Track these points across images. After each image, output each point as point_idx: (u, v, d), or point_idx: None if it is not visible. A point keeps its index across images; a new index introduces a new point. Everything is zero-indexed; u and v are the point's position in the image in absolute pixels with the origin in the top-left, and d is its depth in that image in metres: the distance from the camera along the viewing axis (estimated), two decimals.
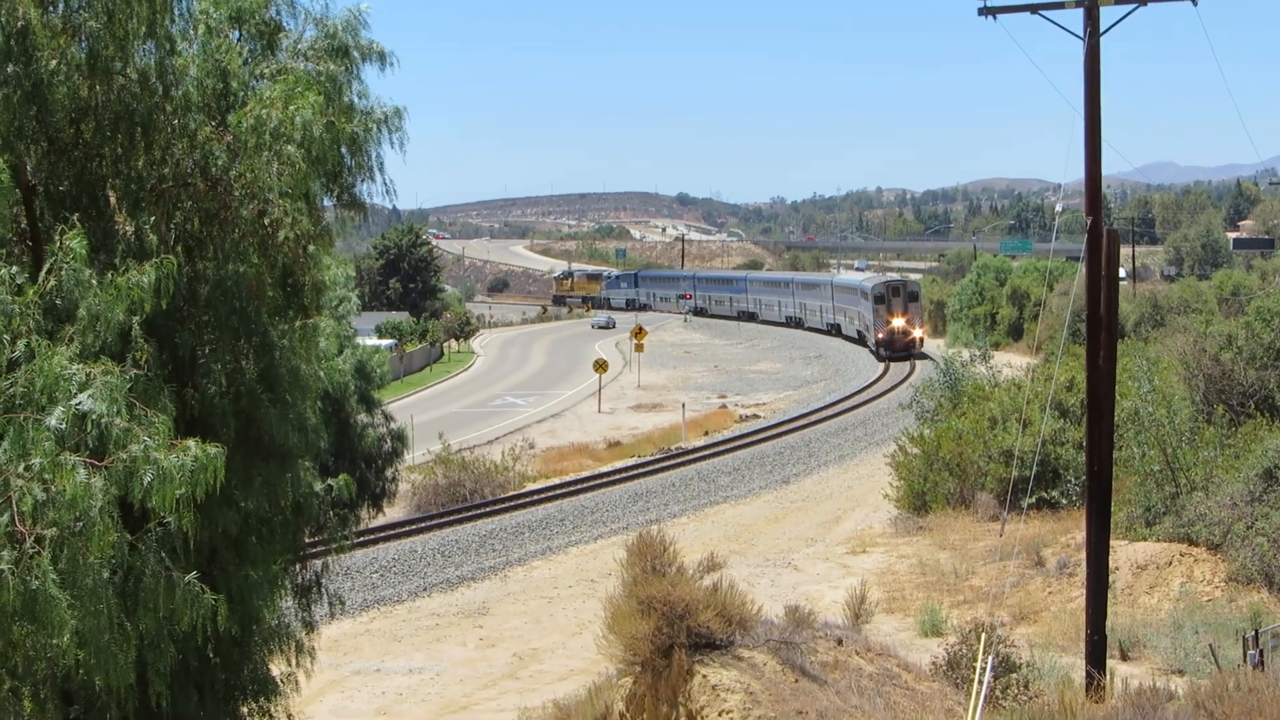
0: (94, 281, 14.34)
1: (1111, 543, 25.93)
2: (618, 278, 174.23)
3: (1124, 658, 28.16)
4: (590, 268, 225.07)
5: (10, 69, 15.60)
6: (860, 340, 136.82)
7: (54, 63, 15.82)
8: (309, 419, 18.82)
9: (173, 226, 17.09)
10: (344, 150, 17.79)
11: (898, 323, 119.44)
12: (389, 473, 58.49)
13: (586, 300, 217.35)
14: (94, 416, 13.13)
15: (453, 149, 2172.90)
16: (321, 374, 23.39)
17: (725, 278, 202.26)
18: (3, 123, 15.77)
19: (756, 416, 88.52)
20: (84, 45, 16.17)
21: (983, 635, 21.87)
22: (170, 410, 14.27)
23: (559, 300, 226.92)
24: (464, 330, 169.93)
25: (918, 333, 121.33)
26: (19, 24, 15.57)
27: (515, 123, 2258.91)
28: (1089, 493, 24.03)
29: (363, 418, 55.50)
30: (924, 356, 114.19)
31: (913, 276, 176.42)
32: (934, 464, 49.09)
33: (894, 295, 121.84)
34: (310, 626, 20.63)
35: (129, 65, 16.35)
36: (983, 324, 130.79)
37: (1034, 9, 24.05)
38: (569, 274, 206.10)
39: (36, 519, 12.74)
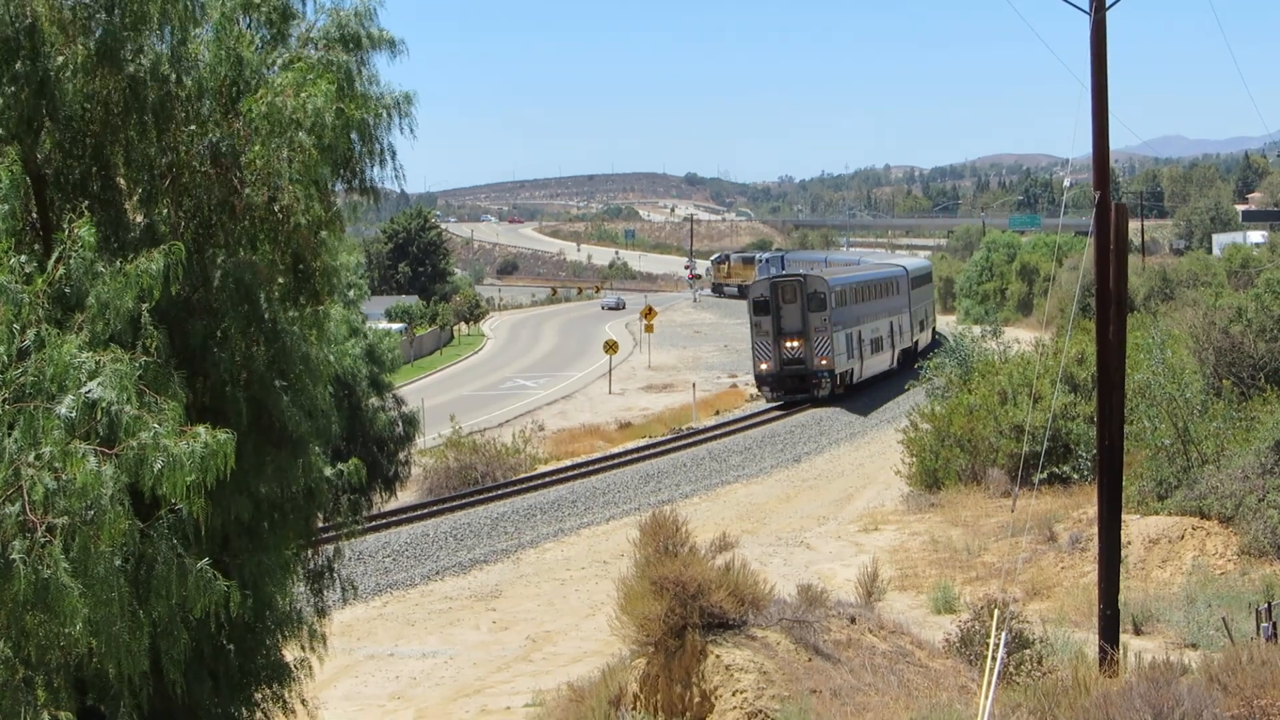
0: (103, 269, 14.36)
1: (1123, 517, 25.89)
2: (767, 261, 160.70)
3: (1137, 632, 28.13)
4: (744, 252, 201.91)
5: (19, 65, 15.62)
6: None
7: (61, 58, 15.84)
8: (320, 404, 18.84)
9: (184, 214, 17.12)
10: (354, 136, 17.79)
11: (791, 346, 76.41)
12: (400, 456, 58.61)
13: (743, 289, 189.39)
14: (104, 404, 13.15)
15: (460, 132, 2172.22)
16: (332, 359, 23.44)
17: (848, 260, 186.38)
18: (13, 115, 15.80)
19: None
20: (97, 33, 16.18)
21: (995, 611, 21.85)
22: (181, 397, 14.30)
23: (718, 289, 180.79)
24: (474, 313, 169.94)
25: (843, 360, 78.29)
26: (27, 20, 15.59)
27: (523, 105, 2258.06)
28: (1100, 467, 23.98)
29: (374, 402, 55.62)
30: (836, 399, 77.25)
31: (904, 256, 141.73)
32: (945, 440, 49.06)
33: (786, 300, 76.55)
34: (323, 612, 20.65)
35: (141, 54, 16.37)
36: (993, 300, 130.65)
37: None
38: (725, 258, 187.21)
39: (48, 508, 12.77)
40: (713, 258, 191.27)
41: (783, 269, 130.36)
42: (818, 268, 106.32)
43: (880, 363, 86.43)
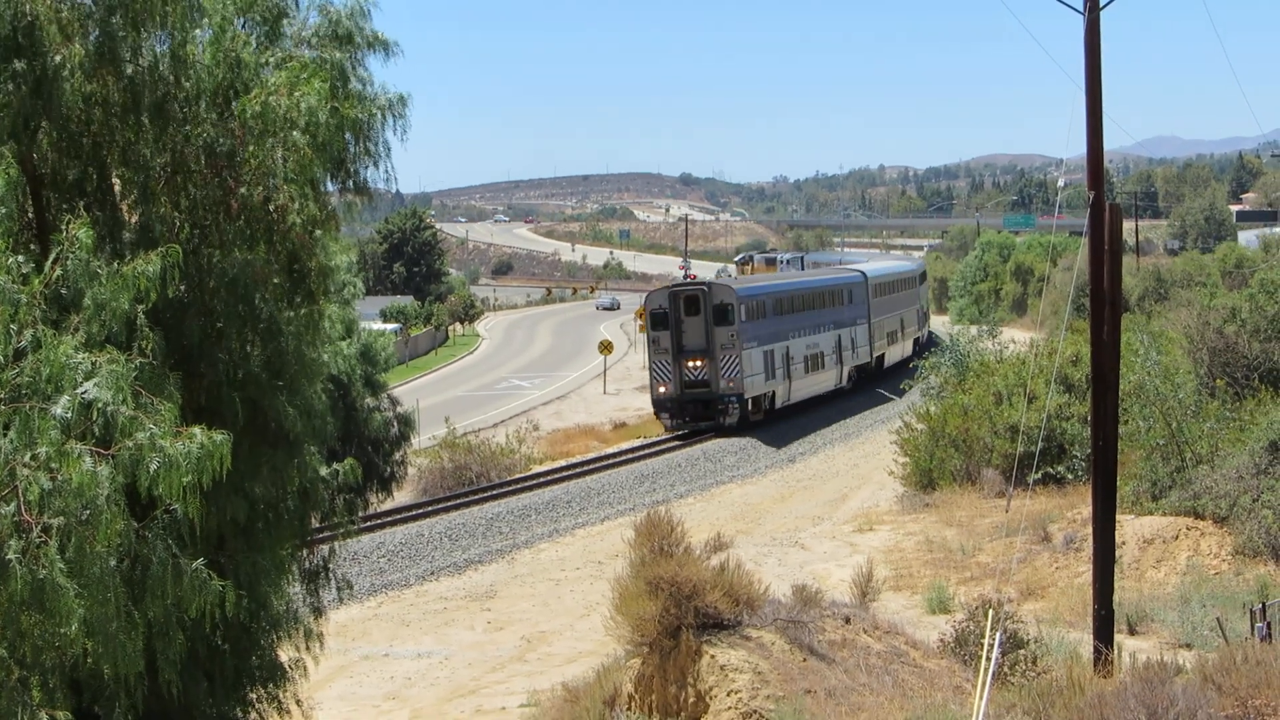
0: (100, 270, 14.38)
1: (1118, 517, 25.95)
2: (788, 260, 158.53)
3: (1131, 632, 28.17)
4: (769, 252, 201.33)
5: (17, 64, 15.64)
6: None
7: (59, 57, 15.86)
8: (315, 404, 18.87)
9: (180, 214, 17.15)
10: (349, 136, 17.81)
11: (694, 366, 66.55)
12: (396, 457, 58.65)
13: None
14: (100, 405, 13.17)
15: (455, 132, 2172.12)
16: (327, 359, 23.46)
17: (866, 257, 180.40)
18: (10, 115, 15.82)
19: None
20: (96, 33, 16.21)
21: (990, 612, 21.87)
22: (176, 398, 14.32)
23: None
24: (468, 313, 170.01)
25: (759, 381, 68.81)
26: (26, 19, 15.61)
27: (518, 105, 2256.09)
28: (1094, 467, 24.01)
29: (369, 402, 55.65)
30: (750, 428, 67.58)
31: (916, 255, 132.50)
32: (940, 440, 49.11)
33: (687, 313, 66.85)
34: (318, 612, 20.68)
35: (140, 55, 16.40)
36: (987, 300, 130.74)
37: None
38: (749, 258, 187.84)
39: (43, 508, 12.79)
40: (737, 258, 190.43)
41: (802, 270, 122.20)
42: (833, 268, 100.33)
43: (820, 383, 77.42)
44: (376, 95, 18.44)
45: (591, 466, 59.73)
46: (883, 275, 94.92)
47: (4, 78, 15.72)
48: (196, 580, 13.68)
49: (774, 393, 71.05)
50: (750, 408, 68.04)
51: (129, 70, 16.37)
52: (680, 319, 66.64)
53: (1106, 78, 23.33)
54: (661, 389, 67.11)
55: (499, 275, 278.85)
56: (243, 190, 16.74)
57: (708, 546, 24.22)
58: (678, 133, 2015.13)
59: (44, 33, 15.75)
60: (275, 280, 17.54)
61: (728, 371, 66.25)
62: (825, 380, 78.33)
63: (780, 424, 70.53)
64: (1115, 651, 22.66)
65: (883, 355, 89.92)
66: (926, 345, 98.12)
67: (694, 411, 67.17)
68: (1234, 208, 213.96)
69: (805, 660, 21.42)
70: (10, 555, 12.60)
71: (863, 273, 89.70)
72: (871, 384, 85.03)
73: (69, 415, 13.06)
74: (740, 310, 66.92)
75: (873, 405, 79.69)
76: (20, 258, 14.46)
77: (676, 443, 65.63)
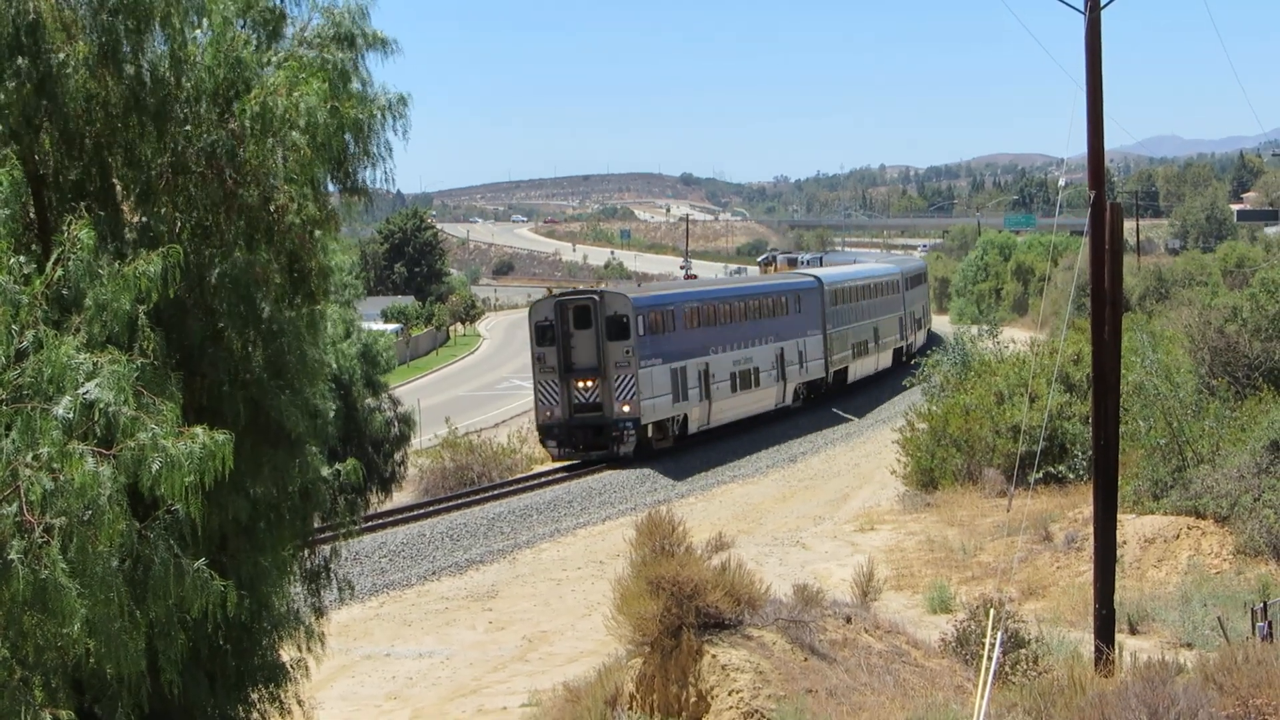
0: (101, 271, 14.39)
1: (1119, 516, 25.95)
2: (807, 260, 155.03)
3: (1133, 631, 28.18)
4: (791, 252, 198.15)
5: (20, 62, 15.66)
6: None
7: (63, 55, 15.89)
8: (316, 404, 18.88)
9: (180, 214, 17.16)
10: (348, 136, 17.81)
11: (584, 387, 59.20)
12: (397, 457, 58.74)
13: None
14: (101, 405, 13.17)
15: (456, 133, 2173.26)
16: (329, 359, 23.47)
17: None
18: (13, 114, 15.85)
19: None
20: (97, 37, 16.23)
21: (991, 611, 21.88)
22: (178, 398, 14.33)
23: None
24: (469, 313, 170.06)
25: (664, 404, 61.09)
26: (29, 17, 15.64)
27: (518, 106, 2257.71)
28: (1095, 467, 24.02)
29: (369, 402, 55.75)
30: (651, 458, 59.83)
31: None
32: (941, 440, 49.14)
33: (577, 325, 59.68)
34: (320, 612, 20.66)
35: (141, 55, 16.42)
36: (988, 300, 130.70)
37: None
38: (772, 258, 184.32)
39: (45, 508, 12.79)
40: (760, 259, 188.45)
41: (820, 267, 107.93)
42: (782, 273, 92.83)
43: (753, 402, 69.97)
44: (377, 95, 18.42)
45: (592, 466, 59.01)
46: (844, 280, 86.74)
47: (8, 75, 15.75)
48: (198, 580, 13.69)
49: (685, 416, 63.29)
50: (652, 434, 60.58)
51: (130, 70, 16.39)
52: (569, 333, 59.43)
53: (1107, 77, 23.36)
54: (547, 413, 59.57)
55: (500, 275, 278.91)
56: (243, 190, 16.76)
57: (709, 546, 24.25)
58: (678, 133, 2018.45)
59: (48, 30, 15.78)
60: (276, 280, 17.56)
61: (622, 393, 58.64)
62: (760, 399, 70.89)
63: (692, 452, 63.36)
64: (1116, 651, 22.68)
65: (845, 370, 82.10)
66: (921, 350, 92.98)
67: (585, 439, 59.47)
68: (1235, 207, 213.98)
69: (806, 660, 21.43)
70: (13, 555, 12.60)
71: (817, 278, 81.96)
72: (829, 402, 78.19)
73: (71, 416, 13.06)
74: (638, 322, 59.39)
75: (822, 427, 73.35)
76: (22, 258, 14.47)
77: (551, 477, 57.69)
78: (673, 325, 62.64)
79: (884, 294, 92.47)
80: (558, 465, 60.07)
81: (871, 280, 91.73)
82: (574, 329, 59.22)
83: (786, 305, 74.67)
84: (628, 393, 58.42)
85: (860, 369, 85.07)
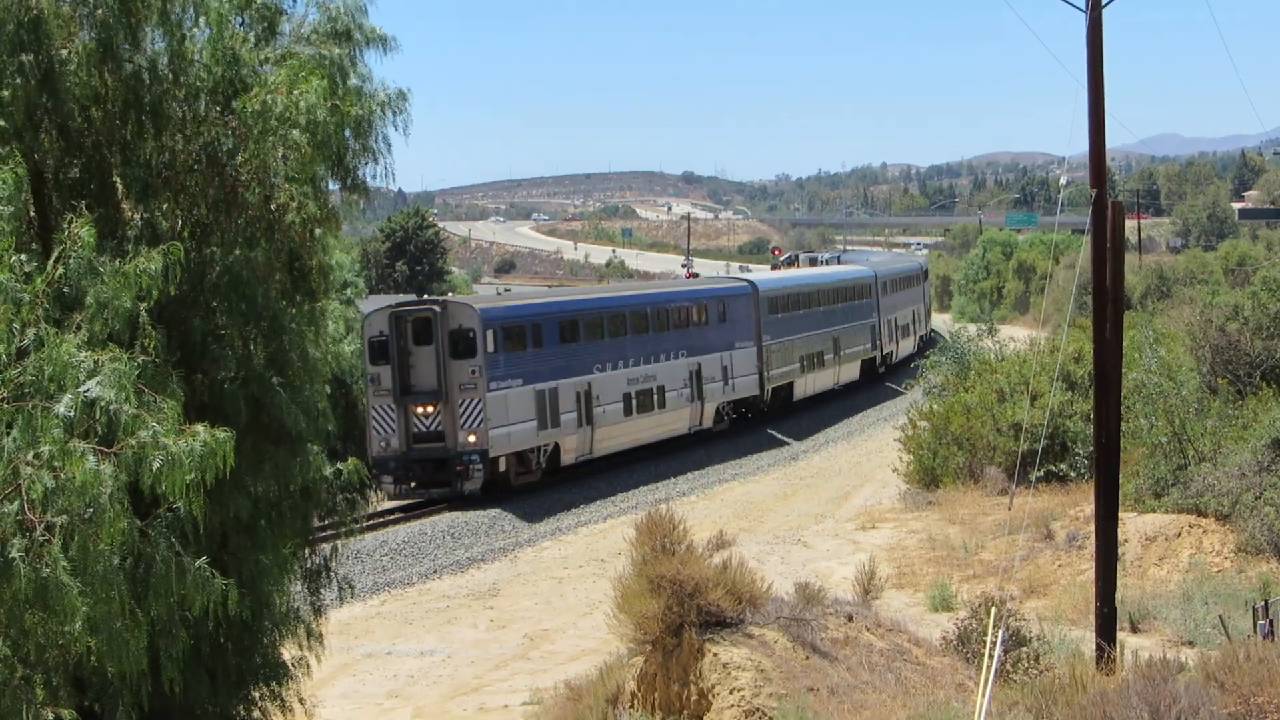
0: (102, 269, 14.39)
1: (1120, 515, 25.93)
2: (825, 259, 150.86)
3: (1134, 630, 28.18)
4: (812, 251, 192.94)
5: (25, 58, 15.67)
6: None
7: (65, 51, 15.90)
8: (318, 403, 18.88)
9: (181, 212, 17.17)
10: (348, 134, 17.82)
11: (424, 413, 50.24)
12: None
13: None
14: (103, 403, 13.17)
15: (458, 131, 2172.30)
16: (329, 357, 23.46)
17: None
18: (16, 111, 15.85)
19: None
20: (94, 34, 16.25)
21: (993, 609, 21.86)
22: (179, 396, 14.34)
23: None
24: None
25: (518, 433, 52.10)
26: (31, 13, 15.64)
27: (520, 104, 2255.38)
28: (1097, 465, 24.03)
29: None
30: (505, 499, 51.26)
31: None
32: (943, 438, 49.14)
33: (416, 341, 50.77)
34: (320, 610, 20.67)
35: (139, 52, 16.43)
36: (989, 298, 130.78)
37: None
38: (795, 257, 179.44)
39: (46, 507, 12.79)
40: (782, 257, 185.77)
41: (839, 265, 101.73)
42: (702, 280, 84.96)
43: (655, 426, 61.36)
44: (376, 91, 18.43)
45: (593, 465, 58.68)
46: (787, 285, 78.44)
47: (12, 71, 15.76)
48: (199, 578, 13.70)
49: (557, 445, 54.66)
50: (508, 467, 52.17)
51: (128, 68, 16.40)
52: (408, 350, 50.49)
53: (1108, 75, 23.37)
54: (382, 444, 50.17)
55: (502, 274, 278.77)
56: (243, 189, 16.77)
57: (710, 544, 24.21)
58: (680, 131, 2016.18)
59: (49, 26, 15.79)
60: (276, 278, 17.59)
61: (468, 420, 49.90)
62: (666, 422, 62.20)
63: (564, 488, 55.01)
64: (1118, 649, 22.69)
65: (788, 386, 73.78)
66: (917, 353, 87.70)
67: (424, 474, 50.76)
68: (1236, 205, 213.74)
69: (808, 658, 21.43)
70: (14, 554, 12.60)
71: (750, 283, 73.40)
72: (769, 423, 71.09)
73: (72, 414, 13.06)
74: (487, 338, 50.64)
75: (747, 452, 65.52)
76: (23, 256, 14.48)
77: (374, 520, 46.99)
78: (538, 340, 54.02)
79: (847, 299, 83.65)
80: (393, 505, 51.39)
81: (826, 285, 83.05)
82: (413, 345, 50.59)
83: (706, 314, 66.27)
84: (473, 420, 49.89)
85: (812, 384, 77.12)
